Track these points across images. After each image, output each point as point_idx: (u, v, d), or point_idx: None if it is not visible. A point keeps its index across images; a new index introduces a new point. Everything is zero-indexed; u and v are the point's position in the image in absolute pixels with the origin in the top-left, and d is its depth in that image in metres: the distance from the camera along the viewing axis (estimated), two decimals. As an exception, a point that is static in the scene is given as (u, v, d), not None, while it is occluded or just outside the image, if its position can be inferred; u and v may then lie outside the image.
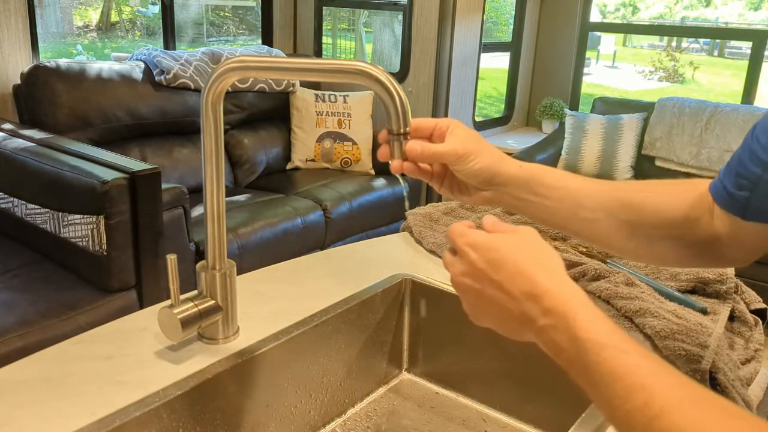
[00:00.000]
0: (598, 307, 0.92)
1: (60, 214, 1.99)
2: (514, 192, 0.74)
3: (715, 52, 12.07)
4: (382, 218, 3.16)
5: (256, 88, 3.30)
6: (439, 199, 3.62)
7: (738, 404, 0.77)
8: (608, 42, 11.72)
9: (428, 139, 0.74)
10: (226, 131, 3.18)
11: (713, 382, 0.78)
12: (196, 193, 2.57)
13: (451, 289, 0.99)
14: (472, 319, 0.60)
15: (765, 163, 0.60)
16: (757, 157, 0.61)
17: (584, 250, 1.13)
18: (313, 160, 3.39)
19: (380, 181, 3.28)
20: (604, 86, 10.11)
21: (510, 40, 4.14)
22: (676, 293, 0.96)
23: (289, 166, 3.40)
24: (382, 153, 0.71)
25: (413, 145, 0.70)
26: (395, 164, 0.71)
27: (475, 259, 0.57)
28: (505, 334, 0.58)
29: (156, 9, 3.90)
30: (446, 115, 3.54)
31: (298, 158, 3.39)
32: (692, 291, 1.00)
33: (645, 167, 3.55)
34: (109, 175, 1.91)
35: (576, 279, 1.00)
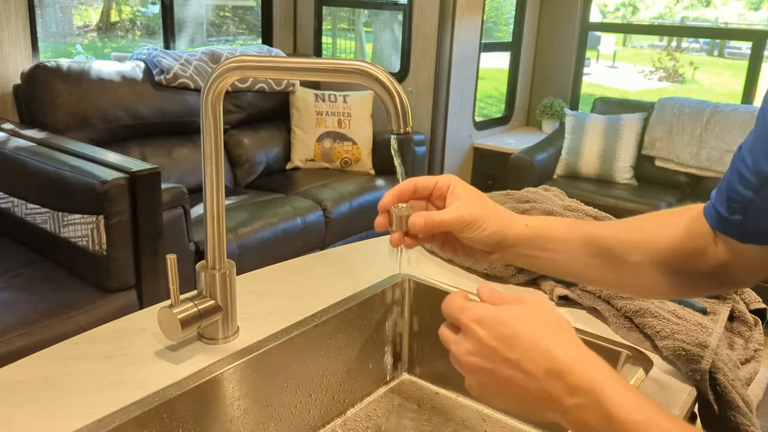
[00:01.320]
0: (598, 307, 0.93)
1: (60, 213, 1.99)
2: (523, 251, 0.71)
3: (715, 52, 12.06)
4: (382, 218, 3.15)
5: (256, 87, 3.30)
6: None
7: (738, 404, 0.77)
8: (608, 42, 11.72)
9: (427, 199, 0.71)
10: (225, 131, 3.18)
11: (713, 382, 0.78)
12: (196, 193, 2.57)
13: (451, 290, 0.99)
14: (480, 399, 0.57)
15: (755, 186, 0.58)
16: (746, 179, 0.59)
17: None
18: (312, 160, 3.38)
19: (380, 181, 3.28)
20: (604, 86, 10.11)
21: (510, 40, 4.14)
22: (676, 293, 0.96)
23: (288, 166, 3.40)
24: (380, 223, 0.68)
25: (415, 220, 0.66)
26: (395, 238, 0.68)
27: (483, 335, 0.52)
28: (523, 415, 0.54)
29: (156, 9, 3.90)
30: (446, 115, 3.54)
31: (297, 158, 3.39)
32: (692, 291, 1.00)
33: (645, 167, 3.55)
34: (109, 175, 1.91)
35: (576, 279, 1.00)
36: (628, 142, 3.52)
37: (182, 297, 0.78)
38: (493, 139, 3.94)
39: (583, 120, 3.60)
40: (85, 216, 1.92)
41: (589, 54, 5.33)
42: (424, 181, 0.69)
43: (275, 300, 0.94)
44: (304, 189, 3.05)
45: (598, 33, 9.60)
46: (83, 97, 2.64)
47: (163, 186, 2.04)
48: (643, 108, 3.64)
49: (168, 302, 0.77)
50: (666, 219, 0.71)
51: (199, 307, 0.78)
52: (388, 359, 1.03)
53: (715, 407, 0.78)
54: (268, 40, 3.80)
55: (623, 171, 3.51)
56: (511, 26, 4.14)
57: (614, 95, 7.20)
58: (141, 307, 1.98)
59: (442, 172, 3.63)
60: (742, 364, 0.87)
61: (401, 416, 0.96)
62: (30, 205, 2.09)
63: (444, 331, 0.57)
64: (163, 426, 0.70)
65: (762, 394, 2.27)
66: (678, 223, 0.69)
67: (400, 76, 3.55)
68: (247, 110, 3.31)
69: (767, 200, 0.57)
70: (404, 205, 0.68)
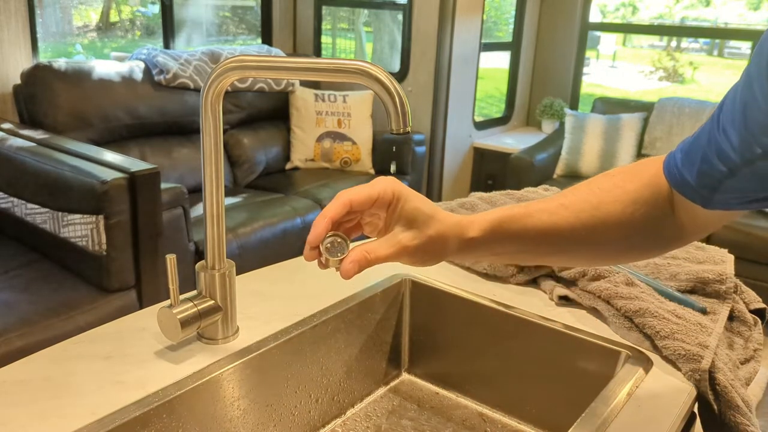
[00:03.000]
0: (598, 307, 0.93)
1: (60, 213, 1.99)
2: (471, 257, 0.68)
3: (715, 52, 12.06)
4: (382, 218, 3.15)
5: (256, 87, 3.30)
6: (439, 198, 3.62)
7: (737, 404, 0.77)
8: (608, 42, 11.71)
9: (367, 211, 0.65)
10: (225, 131, 3.18)
11: (713, 381, 0.78)
12: (196, 193, 2.57)
13: (451, 290, 0.99)
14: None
15: (736, 164, 0.54)
16: (727, 156, 0.54)
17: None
18: (312, 160, 3.38)
19: (380, 181, 3.28)
20: (604, 86, 10.11)
21: (510, 40, 4.14)
22: (676, 293, 0.96)
23: (288, 166, 3.40)
24: (309, 257, 0.63)
25: (348, 268, 0.61)
26: (322, 266, 0.64)
27: None
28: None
29: (156, 9, 3.90)
30: (446, 115, 3.53)
31: (297, 158, 3.39)
32: (692, 291, 1.00)
33: (645, 167, 3.55)
34: (108, 175, 1.91)
35: (576, 279, 1.00)
36: (628, 142, 3.52)
37: (182, 297, 0.78)
38: (493, 139, 3.94)
39: (583, 120, 3.60)
40: (85, 216, 1.92)
41: (589, 54, 5.33)
42: (361, 198, 0.62)
43: (275, 300, 0.94)
44: (303, 189, 3.05)
45: (598, 33, 9.60)
46: (83, 97, 2.64)
47: (163, 186, 2.04)
48: (643, 108, 3.64)
49: (168, 302, 0.77)
50: (618, 192, 0.66)
51: (199, 307, 0.78)
52: (388, 359, 1.03)
53: (715, 407, 0.78)
54: (267, 40, 3.80)
55: (623, 171, 3.52)
56: (511, 26, 4.14)
57: (614, 95, 7.20)
58: (141, 307, 1.98)
59: (442, 172, 3.63)
60: (742, 363, 0.87)
61: (401, 416, 0.96)
62: (30, 205, 2.09)
63: None
64: (163, 426, 0.70)
65: (762, 394, 2.28)
66: (631, 195, 0.65)
67: (400, 76, 3.55)
68: (246, 110, 3.31)
69: (745, 177, 0.54)
70: (338, 238, 0.63)
